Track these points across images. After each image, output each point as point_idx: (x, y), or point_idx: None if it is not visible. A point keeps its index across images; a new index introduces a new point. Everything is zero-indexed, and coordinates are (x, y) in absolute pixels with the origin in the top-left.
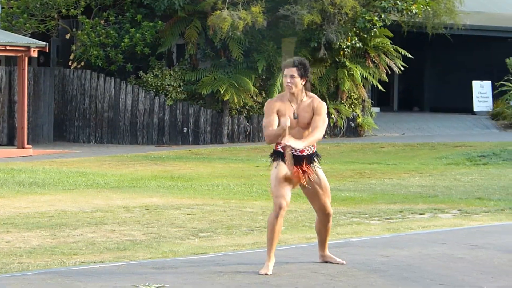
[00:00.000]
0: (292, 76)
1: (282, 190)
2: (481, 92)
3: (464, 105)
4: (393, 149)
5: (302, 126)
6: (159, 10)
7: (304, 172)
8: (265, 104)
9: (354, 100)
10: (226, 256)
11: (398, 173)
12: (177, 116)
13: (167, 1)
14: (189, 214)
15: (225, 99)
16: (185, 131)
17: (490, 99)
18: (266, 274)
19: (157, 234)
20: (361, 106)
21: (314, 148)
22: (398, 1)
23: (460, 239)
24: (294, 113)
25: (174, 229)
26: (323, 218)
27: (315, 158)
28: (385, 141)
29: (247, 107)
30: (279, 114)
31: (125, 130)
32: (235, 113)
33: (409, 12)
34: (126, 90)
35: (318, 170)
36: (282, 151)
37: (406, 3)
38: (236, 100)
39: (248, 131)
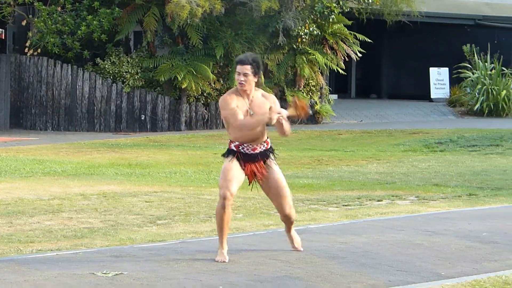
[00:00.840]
0: (245, 74)
1: (228, 181)
2: (438, 79)
3: (421, 92)
4: (351, 136)
5: None
6: None
7: (257, 170)
8: (221, 99)
9: (312, 87)
10: (184, 243)
11: (356, 160)
12: (135, 103)
13: None
14: (147, 202)
15: (183, 86)
16: (142, 118)
17: (447, 86)
18: (224, 261)
19: (114, 221)
20: (319, 93)
21: (267, 145)
22: None
23: (418, 226)
24: (247, 110)
25: (132, 217)
26: (284, 219)
27: (270, 154)
28: (343, 128)
29: (205, 94)
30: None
31: (82, 118)
32: (193, 100)
33: (366, 0)
34: (83, 77)
35: (274, 170)
36: (235, 149)
37: None
38: (194, 87)
39: (206, 118)
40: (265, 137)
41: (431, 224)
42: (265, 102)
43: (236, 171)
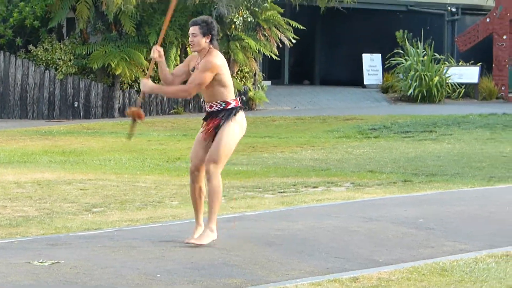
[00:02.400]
0: (194, 35)
1: (192, 154)
2: (371, 65)
3: (354, 78)
4: (284, 123)
5: (215, 84)
6: None
7: (206, 128)
8: None
9: (246, 74)
10: (120, 231)
11: (290, 146)
12: (68, 91)
13: None
14: (81, 189)
15: (117, 73)
16: (75, 105)
17: (380, 72)
18: (188, 243)
19: (49, 209)
20: (252, 79)
21: (226, 105)
22: None
23: (354, 212)
24: (194, 67)
25: (67, 205)
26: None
27: (225, 116)
28: (277, 115)
29: (138, 81)
30: (189, 69)
31: (15, 105)
32: (127, 87)
33: None
34: (15, 64)
35: (226, 128)
36: (209, 109)
37: None
38: (128, 74)
39: (140, 105)
40: (224, 99)
41: (367, 211)
42: (202, 62)
43: (197, 139)
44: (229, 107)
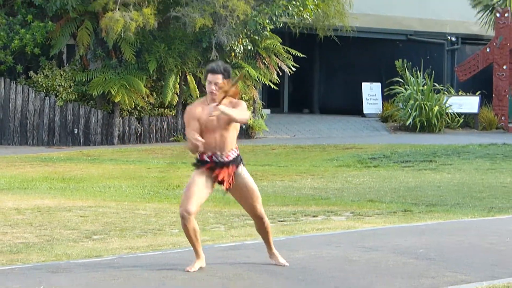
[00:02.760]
0: (217, 84)
1: (187, 199)
2: (371, 94)
3: (354, 107)
4: (284, 151)
5: (223, 126)
6: (50, 11)
7: (229, 176)
8: (186, 113)
9: (245, 102)
10: (121, 258)
11: (289, 175)
12: (68, 117)
13: (59, 2)
14: (81, 216)
15: (116, 100)
16: (75, 132)
17: (380, 101)
18: (188, 271)
19: (50, 236)
20: (252, 107)
21: (237, 151)
22: (289, 6)
23: (354, 241)
24: (210, 113)
25: (67, 231)
26: (256, 220)
27: (240, 161)
28: (276, 143)
29: (138, 108)
30: (200, 121)
31: (15, 131)
32: (126, 114)
33: (301, 16)
34: (16, 91)
35: (244, 172)
36: (208, 160)
37: (296, 8)
38: (127, 101)
39: (139, 132)
40: (234, 146)
41: (368, 240)
42: (228, 105)
43: (198, 186)
44: (238, 151)
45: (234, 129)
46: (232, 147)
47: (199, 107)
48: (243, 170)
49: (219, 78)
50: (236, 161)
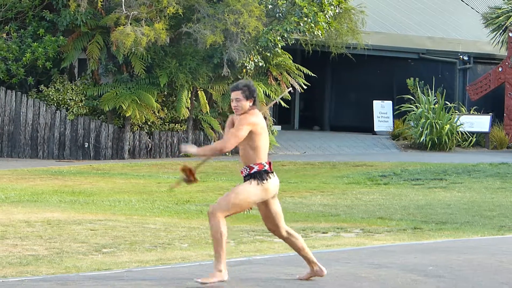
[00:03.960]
0: (237, 100)
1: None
2: (382, 112)
3: (364, 125)
4: (294, 168)
5: (246, 143)
6: (61, 25)
7: None
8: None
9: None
10: (130, 272)
11: (299, 191)
12: (78, 131)
13: (69, 17)
14: (91, 230)
15: (127, 114)
16: (86, 146)
17: (391, 119)
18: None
19: (59, 249)
20: None
21: (250, 170)
22: (300, 23)
23: (364, 258)
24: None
25: (77, 245)
26: (284, 240)
27: (254, 179)
28: (286, 160)
29: (148, 123)
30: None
31: (25, 144)
32: (137, 129)
33: (312, 33)
34: (27, 104)
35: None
36: (241, 175)
37: (308, 25)
38: (138, 116)
39: (150, 147)
40: (251, 162)
41: (377, 257)
42: (240, 118)
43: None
44: (252, 171)
45: (247, 146)
46: (248, 163)
47: (231, 118)
48: (246, 182)
49: (238, 94)
50: (245, 180)
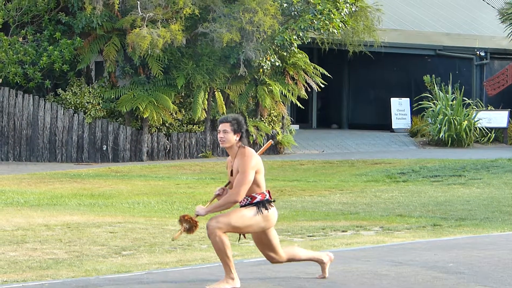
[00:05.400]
0: (225, 131)
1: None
2: (400, 109)
3: (382, 123)
4: (312, 166)
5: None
6: (77, 28)
7: None
8: None
9: (274, 117)
10: (150, 274)
11: (318, 190)
12: (96, 134)
13: (85, 20)
14: (111, 232)
15: (145, 116)
16: (104, 148)
17: (409, 117)
18: None
19: (79, 252)
20: (280, 123)
21: (252, 200)
22: (314, 21)
23: (384, 256)
24: (231, 171)
25: (97, 247)
26: (289, 261)
27: (257, 208)
28: (305, 158)
29: (166, 125)
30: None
31: (43, 148)
32: (155, 131)
33: (327, 31)
34: (45, 108)
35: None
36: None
37: (322, 22)
38: (155, 118)
39: (168, 148)
40: (253, 193)
41: (397, 255)
42: (240, 164)
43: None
44: (255, 201)
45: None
46: (249, 194)
47: (229, 158)
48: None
49: (226, 126)
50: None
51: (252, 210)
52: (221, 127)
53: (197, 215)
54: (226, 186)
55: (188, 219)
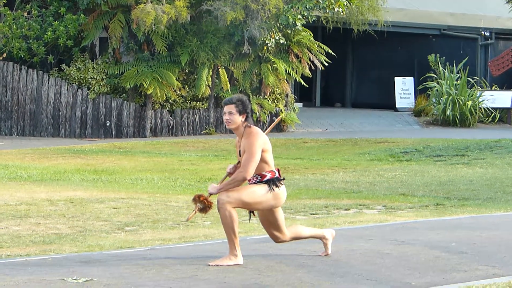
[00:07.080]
0: (230, 113)
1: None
2: (403, 88)
3: (386, 102)
4: (316, 145)
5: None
6: (82, 4)
7: None
8: None
9: (277, 95)
10: (153, 250)
11: (321, 168)
12: (100, 110)
13: None
14: (114, 208)
15: (149, 92)
16: (107, 124)
17: (412, 96)
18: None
19: (82, 227)
20: (284, 101)
21: (262, 178)
22: (320, 0)
23: (386, 235)
24: (239, 151)
25: (100, 223)
26: (292, 240)
27: (268, 185)
28: (308, 137)
29: (170, 101)
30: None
31: (47, 123)
32: (158, 107)
33: (332, 10)
34: (48, 83)
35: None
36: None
37: (328, 1)
38: (159, 94)
39: (171, 125)
40: (262, 171)
41: (400, 234)
42: (246, 143)
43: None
44: (265, 179)
45: (260, 160)
46: (259, 172)
47: (237, 139)
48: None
49: (231, 108)
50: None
51: (263, 187)
52: (226, 109)
53: (210, 194)
54: (237, 164)
55: (203, 200)
